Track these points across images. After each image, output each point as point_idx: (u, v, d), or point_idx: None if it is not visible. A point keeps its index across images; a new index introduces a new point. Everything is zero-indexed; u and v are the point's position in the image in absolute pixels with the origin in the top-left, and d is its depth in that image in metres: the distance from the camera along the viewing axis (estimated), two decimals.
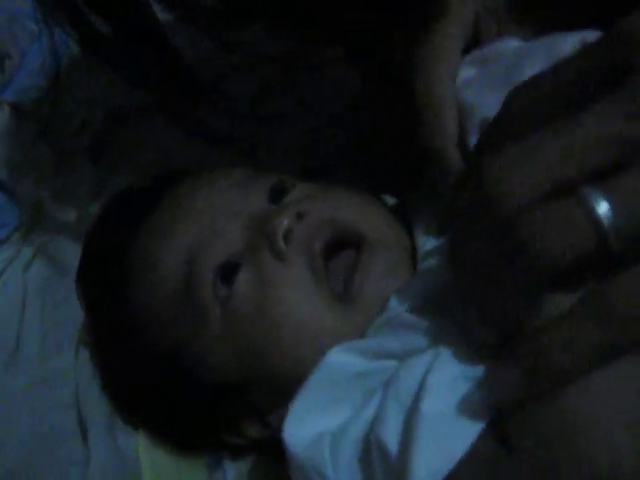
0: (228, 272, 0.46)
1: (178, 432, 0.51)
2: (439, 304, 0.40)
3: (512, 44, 0.46)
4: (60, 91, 0.61)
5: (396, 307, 0.43)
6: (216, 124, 0.60)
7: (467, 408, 0.34)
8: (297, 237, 0.45)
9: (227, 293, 0.45)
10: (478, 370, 0.35)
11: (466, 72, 0.45)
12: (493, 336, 0.35)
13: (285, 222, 0.45)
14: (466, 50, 0.47)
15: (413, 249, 0.47)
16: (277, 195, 0.49)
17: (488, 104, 0.40)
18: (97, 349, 0.53)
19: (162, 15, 0.45)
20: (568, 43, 0.42)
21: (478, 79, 0.45)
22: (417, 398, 0.36)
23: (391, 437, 0.36)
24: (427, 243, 0.46)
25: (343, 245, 0.46)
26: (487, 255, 0.33)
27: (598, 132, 0.31)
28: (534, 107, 0.34)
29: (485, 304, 0.34)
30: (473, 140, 0.42)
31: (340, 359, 0.42)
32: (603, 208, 0.30)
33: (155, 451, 0.51)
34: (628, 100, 0.31)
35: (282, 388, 0.44)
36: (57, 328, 0.54)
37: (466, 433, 0.34)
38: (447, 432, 0.34)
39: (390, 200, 0.53)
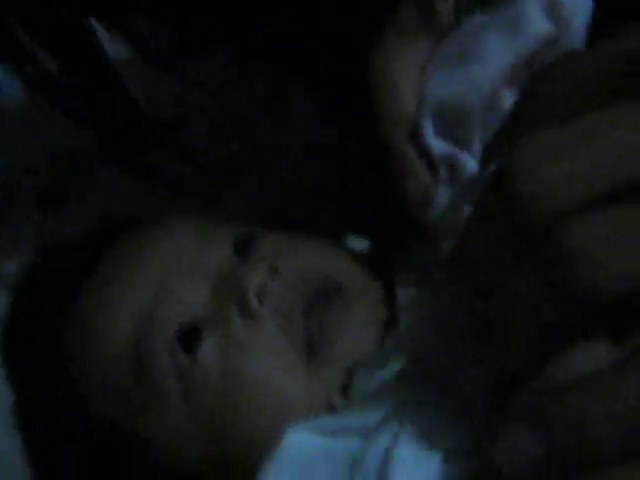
0: (190, 339, 0.40)
1: None
2: (416, 369, 0.37)
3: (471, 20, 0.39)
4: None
5: (365, 378, 0.39)
6: (173, 169, 0.56)
7: None
8: (272, 295, 0.40)
9: (189, 363, 0.40)
10: (446, 443, 0.31)
11: None
12: (490, 393, 0.28)
13: (258, 278, 0.40)
14: None
15: (390, 298, 0.43)
16: (243, 247, 0.44)
17: (442, 82, 0.36)
18: (26, 435, 0.47)
19: (115, 53, 0.41)
20: (533, 9, 0.36)
21: (433, 59, 0.39)
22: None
23: None
24: (405, 294, 0.42)
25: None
26: (505, 274, 0.24)
27: None
28: (572, 92, 0.25)
29: (493, 345, 0.25)
30: (427, 127, 0.37)
31: (300, 439, 0.37)
32: None
33: None
34: None
35: (245, 472, 0.38)
36: None
37: None
38: None
39: (361, 244, 0.50)
